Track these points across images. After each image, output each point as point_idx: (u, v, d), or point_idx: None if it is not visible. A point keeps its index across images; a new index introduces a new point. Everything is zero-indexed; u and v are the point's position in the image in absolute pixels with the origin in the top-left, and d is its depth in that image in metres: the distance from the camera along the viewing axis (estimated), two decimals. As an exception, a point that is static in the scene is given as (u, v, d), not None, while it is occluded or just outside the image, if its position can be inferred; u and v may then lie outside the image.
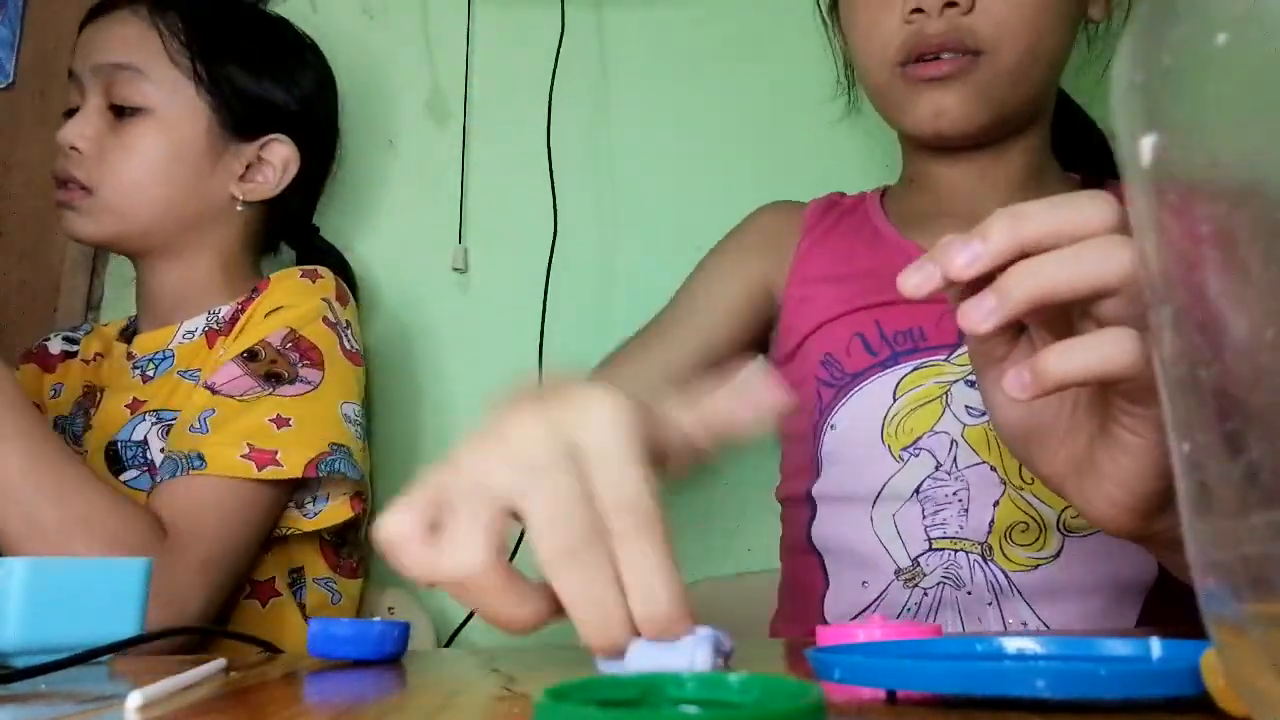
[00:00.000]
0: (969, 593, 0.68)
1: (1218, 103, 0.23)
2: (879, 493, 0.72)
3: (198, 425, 0.82)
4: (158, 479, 0.81)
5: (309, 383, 0.87)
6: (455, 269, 1.17)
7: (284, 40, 1.04)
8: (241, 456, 0.80)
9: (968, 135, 0.75)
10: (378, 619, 0.53)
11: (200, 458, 0.80)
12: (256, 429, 0.82)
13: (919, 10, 0.71)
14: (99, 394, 0.96)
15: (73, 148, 0.91)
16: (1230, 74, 0.22)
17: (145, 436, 0.89)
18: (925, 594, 0.70)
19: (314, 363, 0.88)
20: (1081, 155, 0.87)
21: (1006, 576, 0.68)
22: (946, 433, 0.70)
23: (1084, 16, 0.78)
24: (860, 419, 0.74)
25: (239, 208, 0.98)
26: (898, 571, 0.71)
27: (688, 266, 1.17)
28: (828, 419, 0.76)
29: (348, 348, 0.92)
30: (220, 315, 0.95)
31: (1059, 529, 0.68)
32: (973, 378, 0.69)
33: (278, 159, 0.99)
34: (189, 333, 0.95)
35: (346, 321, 0.94)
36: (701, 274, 0.88)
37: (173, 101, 0.93)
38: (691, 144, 1.21)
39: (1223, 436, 0.23)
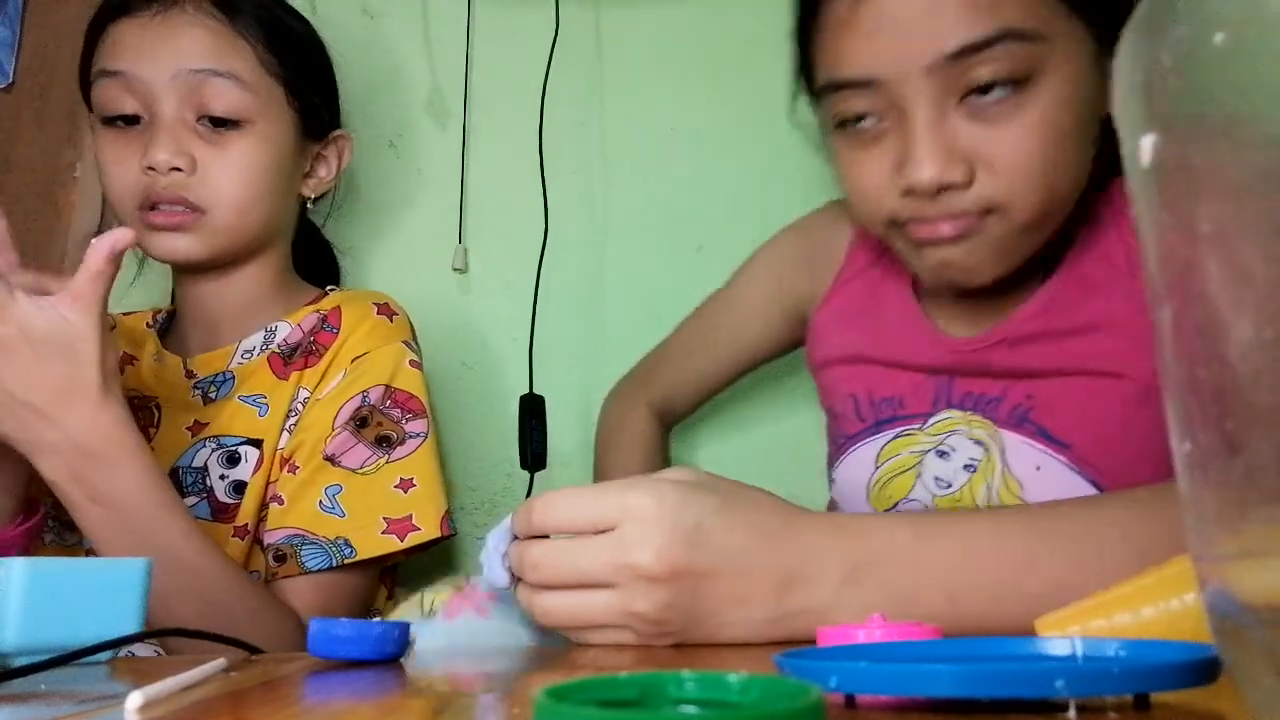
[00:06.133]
0: None
1: (1217, 102, 0.23)
2: None
3: (329, 504, 0.83)
4: (303, 562, 0.81)
5: (419, 435, 0.88)
6: (455, 269, 1.17)
7: (313, 30, 0.99)
8: (383, 533, 0.83)
9: (981, 286, 0.69)
10: (377, 619, 0.53)
11: (349, 544, 0.82)
12: (387, 500, 0.84)
13: (911, 191, 0.64)
14: (155, 410, 0.92)
15: (175, 169, 0.84)
16: (1229, 74, 0.22)
17: (205, 463, 0.87)
18: None
19: (416, 412, 0.89)
20: None
21: None
22: (919, 500, 0.76)
23: (1103, 114, 0.66)
24: (850, 482, 0.82)
25: (310, 205, 0.97)
26: None
27: (681, 266, 1.18)
28: (834, 468, 0.84)
29: (428, 385, 0.93)
30: (279, 336, 0.92)
31: None
32: (943, 448, 0.74)
33: (335, 152, 0.98)
34: (247, 352, 0.92)
35: (419, 359, 0.94)
36: (747, 272, 0.93)
37: (270, 111, 0.89)
38: (686, 144, 1.21)
39: (1223, 436, 0.23)
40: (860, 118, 0.66)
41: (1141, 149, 0.25)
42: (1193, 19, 0.23)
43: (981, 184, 0.62)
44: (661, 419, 1.00)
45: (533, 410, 1.10)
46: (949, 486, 0.74)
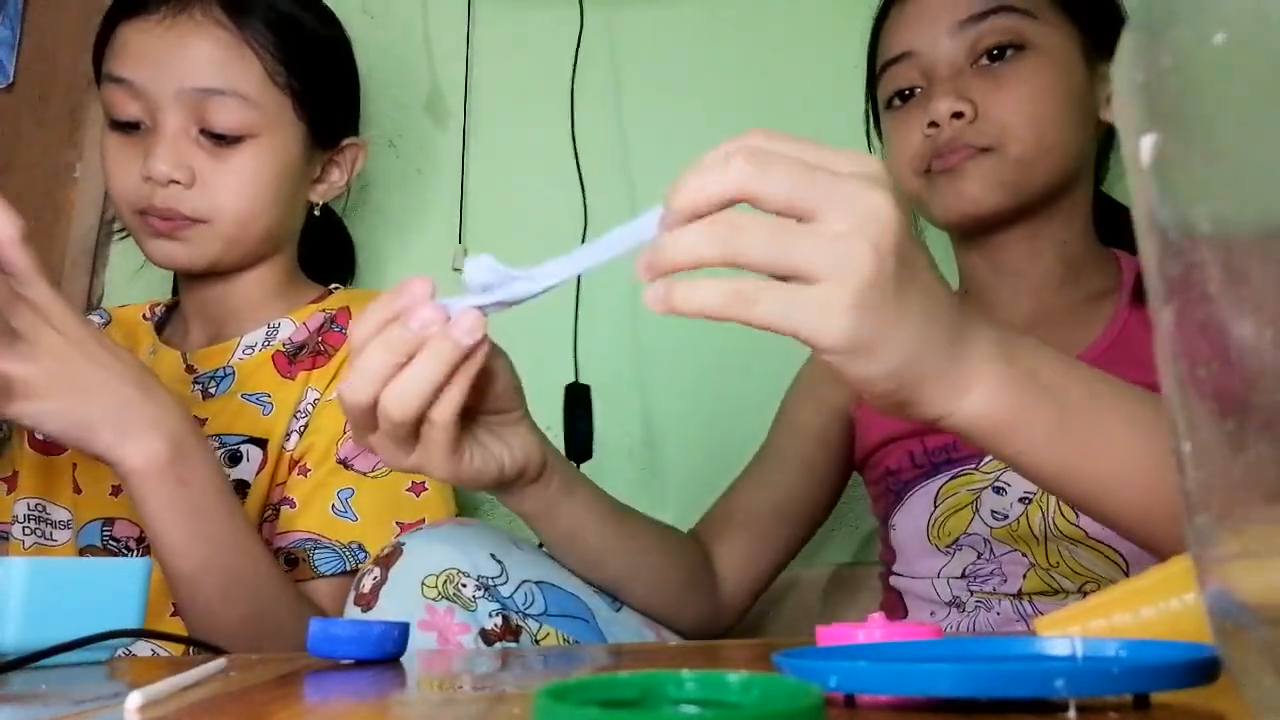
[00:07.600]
0: (998, 614, 0.78)
1: (1217, 102, 0.23)
2: (936, 575, 0.83)
3: (341, 508, 0.83)
4: (316, 566, 0.81)
5: None
6: (455, 269, 1.17)
7: (335, 30, 0.96)
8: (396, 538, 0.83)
9: (990, 215, 0.81)
10: (377, 620, 0.53)
11: (362, 548, 0.82)
12: (398, 503, 0.84)
13: (934, 124, 0.81)
14: None
15: (173, 181, 0.84)
16: (1229, 74, 0.22)
17: None
18: (966, 615, 0.80)
19: None
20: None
21: (1032, 604, 0.77)
22: (978, 534, 0.80)
23: (1098, 118, 0.84)
24: (911, 524, 0.85)
25: (316, 211, 0.96)
26: (948, 602, 0.82)
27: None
28: (891, 518, 0.88)
29: None
30: (282, 333, 0.91)
31: (1078, 593, 0.76)
32: (999, 484, 0.79)
33: (348, 158, 0.97)
34: (249, 348, 0.91)
35: None
36: (792, 400, 0.96)
37: (276, 124, 0.87)
38: (706, 140, 1.20)
39: (1223, 436, 0.23)
40: (903, 94, 0.85)
41: (1141, 149, 0.25)
42: (1193, 19, 0.23)
43: (984, 121, 0.79)
44: (699, 534, 0.87)
45: (578, 400, 1.10)
46: (1005, 518, 0.78)
